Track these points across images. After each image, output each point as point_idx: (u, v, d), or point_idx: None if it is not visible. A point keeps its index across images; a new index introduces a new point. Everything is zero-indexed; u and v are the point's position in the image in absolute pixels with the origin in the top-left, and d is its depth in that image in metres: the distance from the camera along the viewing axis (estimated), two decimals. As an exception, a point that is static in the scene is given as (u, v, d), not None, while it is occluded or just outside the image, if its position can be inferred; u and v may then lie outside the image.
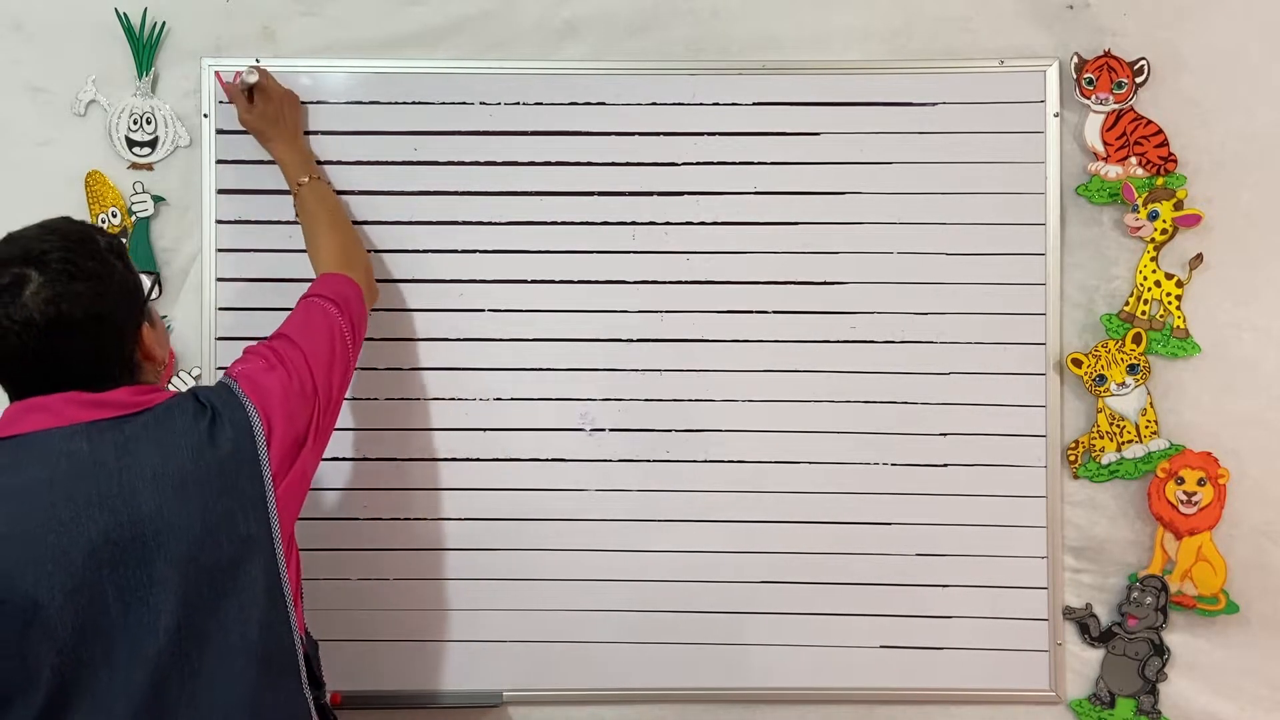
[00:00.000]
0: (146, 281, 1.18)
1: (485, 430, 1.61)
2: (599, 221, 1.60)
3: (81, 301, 1.04)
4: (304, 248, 1.58)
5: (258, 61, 1.57)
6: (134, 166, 1.58)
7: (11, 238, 1.08)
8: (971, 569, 1.61)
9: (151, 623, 1.03)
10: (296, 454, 1.15)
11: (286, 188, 1.56)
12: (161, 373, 1.19)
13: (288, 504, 1.12)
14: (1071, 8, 1.60)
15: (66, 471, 1.02)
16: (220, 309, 1.59)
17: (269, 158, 1.57)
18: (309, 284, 1.56)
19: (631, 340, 1.61)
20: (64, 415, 1.05)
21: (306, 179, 1.51)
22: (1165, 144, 1.58)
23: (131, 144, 1.58)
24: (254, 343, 1.27)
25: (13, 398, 1.08)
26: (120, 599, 1.02)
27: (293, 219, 1.57)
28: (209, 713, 1.06)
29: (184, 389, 1.55)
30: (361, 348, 1.38)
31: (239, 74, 1.50)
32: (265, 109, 1.51)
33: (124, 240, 1.51)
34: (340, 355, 1.28)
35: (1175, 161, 1.58)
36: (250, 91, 1.50)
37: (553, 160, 1.60)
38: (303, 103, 1.57)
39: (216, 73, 1.57)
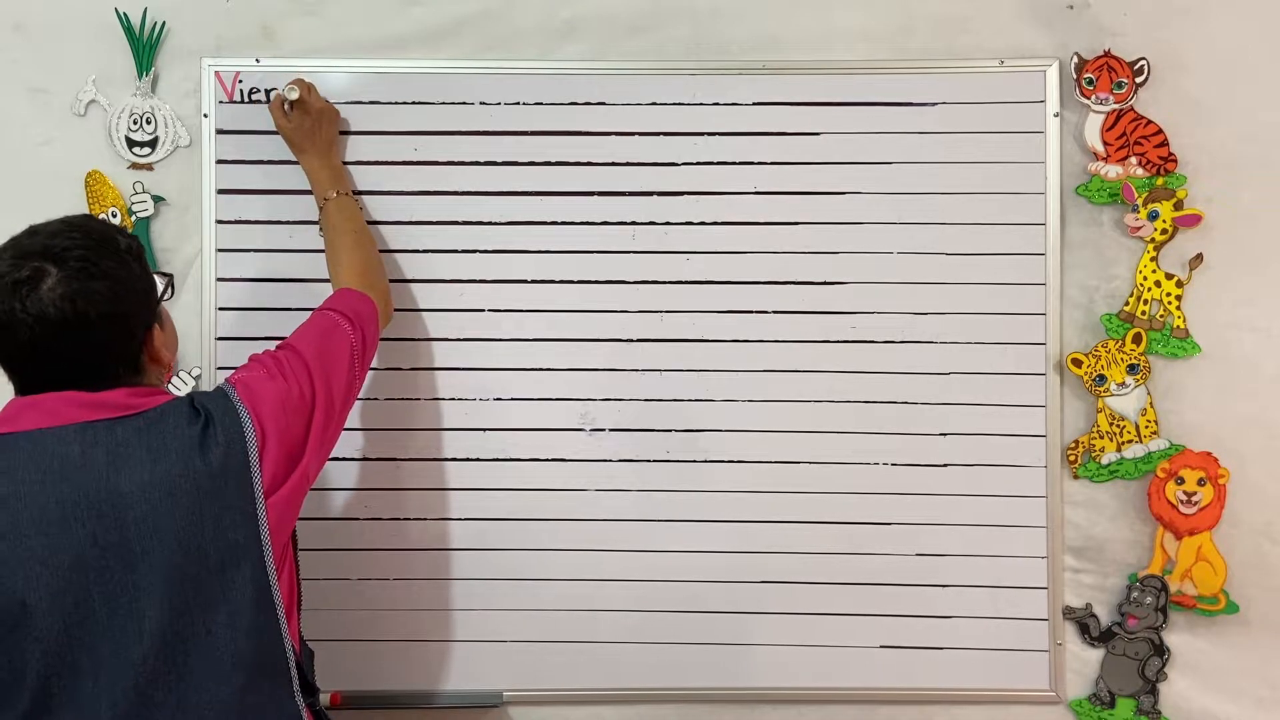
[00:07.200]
0: (160, 283, 1.18)
1: (485, 430, 1.61)
2: (599, 221, 1.60)
3: (97, 301, 1.04)
4: (304, 248, 1.59)
5: (257, 62, 1.58)
6: (134, 166, 1.58)
7: (34, 230, 1.08)
8: (971, 569, 1.61)
9: (137, 627, 1.03)
10: (290, 465, 1.14)
11: (287, 188, 1.57)
12: (166, 375, 1.19)
13: (280, 514, 1.11)
14: (1071, 8, 1.60)
15: (58, 474, 1.02)
16: (220, 309, 1.59)
17: (269, 158, 1.57)
18: (308, 284, 1.57)
19: (631, 340, 1.61)
20: (60, 415, 1.05)
21: (334, 194, 1.50)
22: (1165, 144, 1.58)
23: (131, 144, 1.58)
24: (255, 343, 1.26)
25: (18, 391, 1.08)
26: (106, 603, 1.02)
27: (293, 219, 1.58)
28: (196, 718, 1.06)
29: (183, 389, 1.57)
30: (370, 367, 1.38)
31: (283, 88, 1.50)
32: (301, 122, 1.50)
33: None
34: (346, 370, 1.27)
35: (1175, 161, 1.58)
36: (289, 103, 1.50)
37: (553, 160, 1.60)
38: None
39: (214, 75, 1.57)
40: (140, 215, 1.58)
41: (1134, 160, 1.58)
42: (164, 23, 1.58)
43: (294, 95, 1.48)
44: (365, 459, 1.61)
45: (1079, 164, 1.60)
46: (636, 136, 1.60)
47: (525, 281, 1.60)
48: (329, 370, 1.24)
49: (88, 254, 1.05)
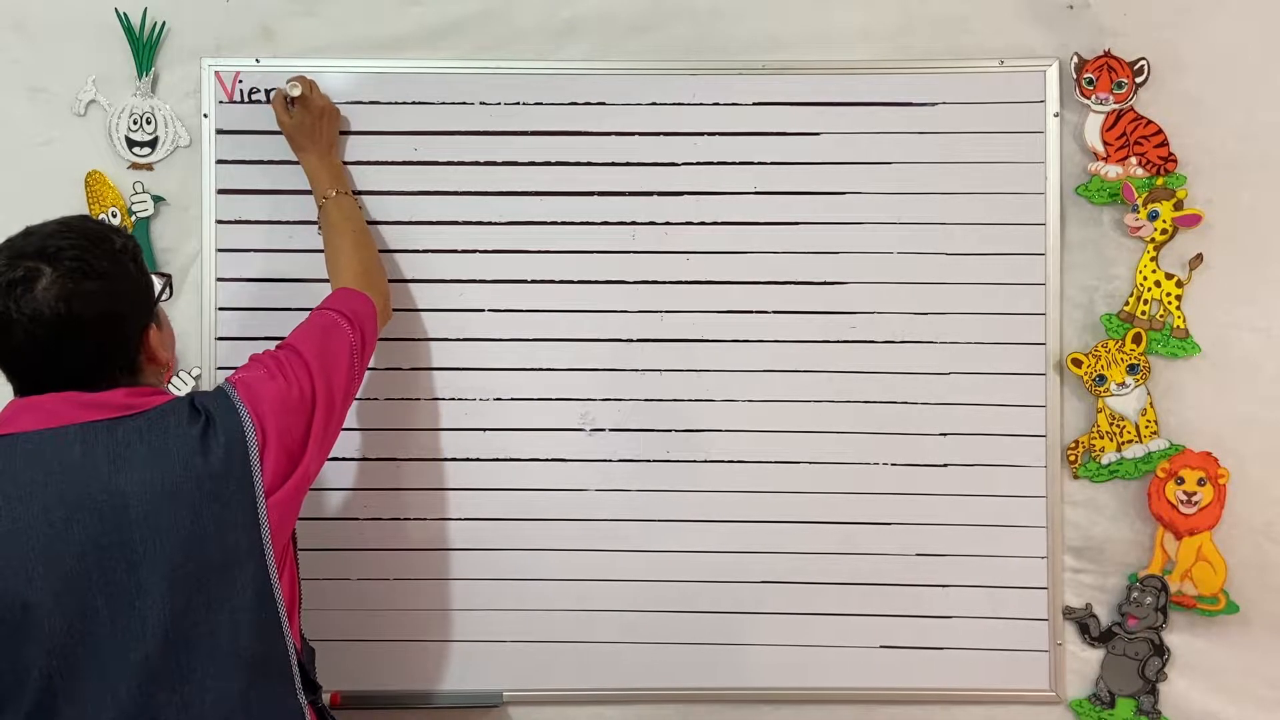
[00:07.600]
0: (158, 283, 1.18)
1: (485, 430, 1.61)
2: (599, 221, 1.60)
3: (92, 301, 1.04)
4: (304, 248, 1.58)
5: (257, 62, 1.58)
6: (134, 166, 1.58)
7: (29, 231, 1.08)
8: (971, 569, 1.61)
9: (139, 628, 1.03)
10: (291, 465, 1.14)
11: (287, 188, 1.57)
12: (164, 375, 1.19)
13: (281, 513, 1.12)
14: (1071, 8, 1.60)
15: (59, 474, 1.02)
16: (220, 309, 1.59)
17: (269, 158, 1.57)
18: (308, 284, 1.57)
19: (631, 340, 1.61)
20: (59, 415, 1.05)
21: (334, 193, 1.50)
22: (1165, 144, 1.58)
23: (131, 144, 1.58)
24: (255, 344, 1.26)
25: (17, 392, 1.08)
26: (109, 604, 1.02)
27: (293, 219, 1.58)
28: (199, 717, 1.06)
29: (183, 389, 1.57)
30: (368, 367, 1.38)
31: (285, 84, 1.49)
32: (303, 120, 1.50)
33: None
34: (346, 369, 1.27)
35: (1175, 161, 1.58)
36: (291, 100, 1.50)
37: (553, 160, 1.60)
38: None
39: (214, 75, 1.57)
40: (140, 215, 1.58)
41: (1134, 160, 1.58)
42: (164, 23, 1.58)
43: (296, 91, 1.48)
44: (365, 459, 1.61)
45: (1079, 164, 1.60)
46: (636, 136, 1.60)
47: (525, 281, 1.60)
48: (329, 369, 1.24)
49: (82, 254, 1.05)
